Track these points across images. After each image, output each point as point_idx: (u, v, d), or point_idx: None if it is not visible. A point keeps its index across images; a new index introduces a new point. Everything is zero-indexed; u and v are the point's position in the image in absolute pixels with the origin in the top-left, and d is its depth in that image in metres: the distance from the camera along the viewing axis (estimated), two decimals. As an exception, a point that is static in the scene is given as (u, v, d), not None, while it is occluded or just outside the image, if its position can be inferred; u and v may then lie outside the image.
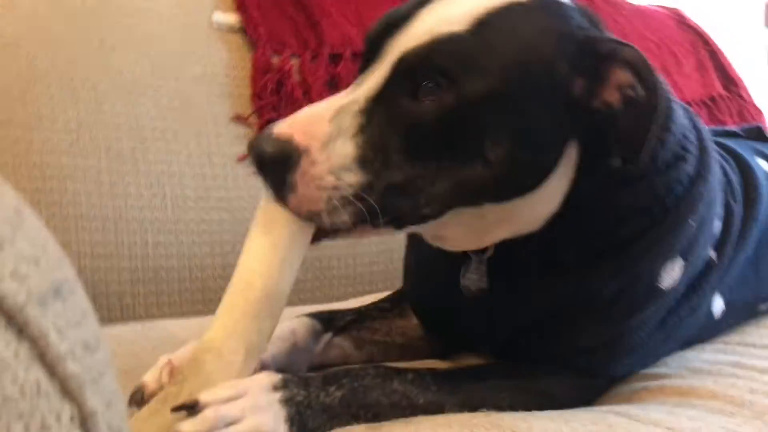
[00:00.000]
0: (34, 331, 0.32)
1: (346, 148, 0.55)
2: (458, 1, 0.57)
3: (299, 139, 0.55)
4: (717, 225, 0.73)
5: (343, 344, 0.76)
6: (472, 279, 0.68)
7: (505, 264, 0.66)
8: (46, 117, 0.97)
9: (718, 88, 2.11)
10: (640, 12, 2.19)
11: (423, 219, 0.59)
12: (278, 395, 0.55)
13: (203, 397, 0.52)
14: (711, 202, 0.70)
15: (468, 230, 0.63)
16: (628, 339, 0.68)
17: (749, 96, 2.14)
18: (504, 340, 0.71)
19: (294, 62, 1.21)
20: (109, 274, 0.97)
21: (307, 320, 0.74)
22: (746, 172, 0.84)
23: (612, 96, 0.58)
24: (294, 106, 1.17)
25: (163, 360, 0.64)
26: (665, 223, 0.64)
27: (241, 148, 1.12)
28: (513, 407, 0.62)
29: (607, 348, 0.68)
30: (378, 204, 0.55)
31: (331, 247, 1.12)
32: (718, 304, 0.78)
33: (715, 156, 0.71)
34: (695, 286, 0.71)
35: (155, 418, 0.53)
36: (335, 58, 1.25)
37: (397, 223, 0.59)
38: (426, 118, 0.55)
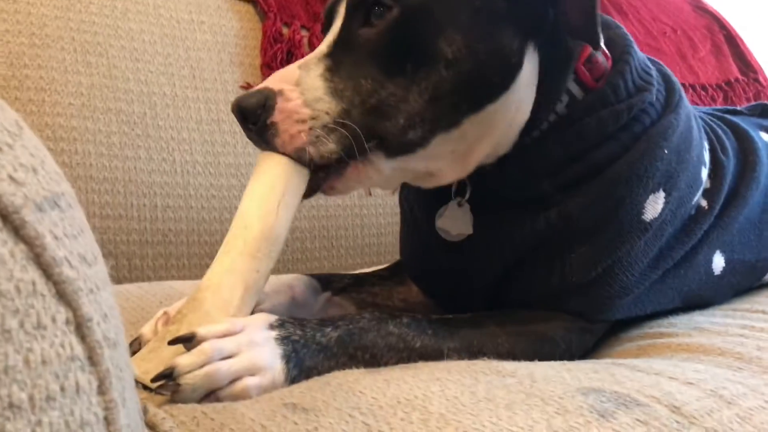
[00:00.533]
0: (30, 232, 0.32)
1: (316, 83, 0.60)
2: None
3: (272, 85, 0.60)
4: (703, 172, 0.75)
5: (343, 303, 0.77)
6: (455, 224, 0.70)
7: (484, 203, 0.68)
8: (57, 80, 0.98)
9: (735, 72, 2.09)
10: (656, -4, 2.18)
11: (410, 146, 0.62)
12: (274, 333, 0.55)
13: (200, 330, 0.53)
14: (688, 138, 0.71)
15: (453, 158, 0.65)
16: (620, 276, 0.67)
17: (767, 80, 2.12)
18: (493, 285, 0.71)
19: (304, 33, 1.21)
20: (119, 235, 0.97)
21: (304, 277, 0.75)
22: (742, 137, 0.87)
23: None
24: (304, 75, 1.17)
25: (160, 313, 0.65)
26: (636, 150, 0.66)
27: (251, 116, 1.12)
28: (511, 351, 0.62)
29: (598, 286, 0.67)
30: (359, 127, 0.59)
31: (338, 217, 1.13)
32: (718, 261, 0.78)
33: (684, 98, 0.74)
34: (687, 230, 0.72)
35: (155, 354, 0.54)
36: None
37: (387, 149, 0.61)
38: (382, 37, 0.61)
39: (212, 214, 1.05)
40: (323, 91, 0.60)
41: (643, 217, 0.67)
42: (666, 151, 0.68)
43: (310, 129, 0.58)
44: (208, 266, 1.03)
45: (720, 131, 0.85)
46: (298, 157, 0.59)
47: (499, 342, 0.63)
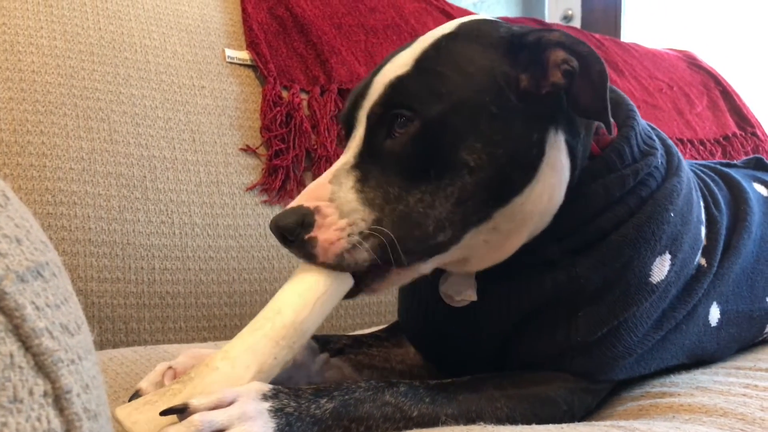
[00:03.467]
0: (10, 303, 0.32)
1: (349, 195, 0.62)
2: (400, 54, 0.66)
3: (308, 203, 0.62)
4: (702, 231, 0.75)
5: (341, 365, 0.75)
6: (458, 289, 0.70)
7: (489, 268, 0.68)
8: (58, 146, 0.99)
9: (732, 127, 2.11)
10: (651, 54, 2.22)
11: (443, 246, 0.63)
12: (268, 405, 0.54)
13: (193, 401, 0.52)
14: (690, 200, 0.72)
15: (488, 247, 0.66)
16: (625, 336, 0.67)
17: (765, 135, 2.13)
18: (496, 349, 0.70)
19: (303, 97, 1.24)
20: (116, 298, 0.97)
21: None
22: (733, 187, 0.88)
23: (555, 76, 0.63)
24: (302, 138, 1.19)
25: (162, 366, 0.64)
26: (643, 213, 0.67)
27: (249, 178, 1.14)
28: (511, 416, 0.61)
29: (603, 346, 0.67)
30: (391, 235, 0.60)
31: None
32: (714, 313, 0.78)
33: (683, 161, 0.75)
34: (689, 290, 0.72)
35: (149, 407, 0.53)
36: (344, 94, 1.28)
37: (421, 255, 0.62)
38: (405, 148, 0.62)
39: (210, 276, 1.05)
40: (357, 202, 0.61)
41: (650, 279, 0.67)
42: (672, 215, 0.68)
43: (349, 236, 0.60)
44: (205, 329, 1.04)
45: (712, 184, 0.86)
46: (337, 264, 0.60)
47: (498, 406, 0.61)
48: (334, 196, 0.62)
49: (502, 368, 0.68)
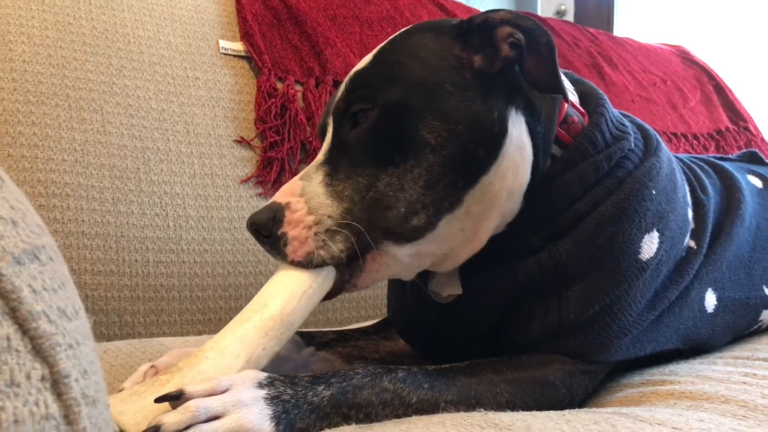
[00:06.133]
0: (6, 286, 0.32)
1: (317, 189, 0.64)
2: (366, 56, 0.70)
3: (279, 199, 0.65)
4: (689, 213, 0.77)
5: (329, 357, 0.75)
6: (444, 286, 0.71)
7: (470, 261, 0.69)
8: (51, 137, 0.98)
9: (726, 121, 2.12)
10: (645, 49, 2.22)
11: (418, 231, 0.64)
12: (264, 392, 0.53)
13: (188, 388, 0.51)
14: (673, 181, 0.73)
15: (464, 235, 0.67)
16: (619, 315, 0.67)
17: (757, 129, 2.14)
18: (488, 336, 0.70)
19: (298, 88, 1.23)
20: (110, 291, 0.96)
21: None
22: (725, 176, 0.89)
23: (504, 50, 0.66)
24: (297, 130, 1.18)
25: (144, 366, 0.64)
26: (622, 191, 0.68)
27: (244, 170, 1.13)
28: (510, 400, 0.61)
29: (597, 326, 0.67)
30: (362, 222, 0.62)
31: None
32: (710, 299, 0.78)
33: (662, 144, 0.76)
34: (680, 271, 0.73)
35: (136, 398, 0.53)
36: (339, 86, 1.27)
37: (394, 237, 0.63)
38: (368, 135, 0.64)
39: (205, 269, 1.04)
40: (324, 196, 0.64)
41: (639, 256, 0.67)
42: (654, 192, 0.69)
43: (315, 234, 0.62)
44: (199, 322, 1.03)
45: (699, 172, 0.87)
46: (308, 262, 0.62)
47: (497, 391, 0.61)
48: (303, 191, 0.64)
49: (498, 350, 0.68)
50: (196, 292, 1.03)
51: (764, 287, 0.86)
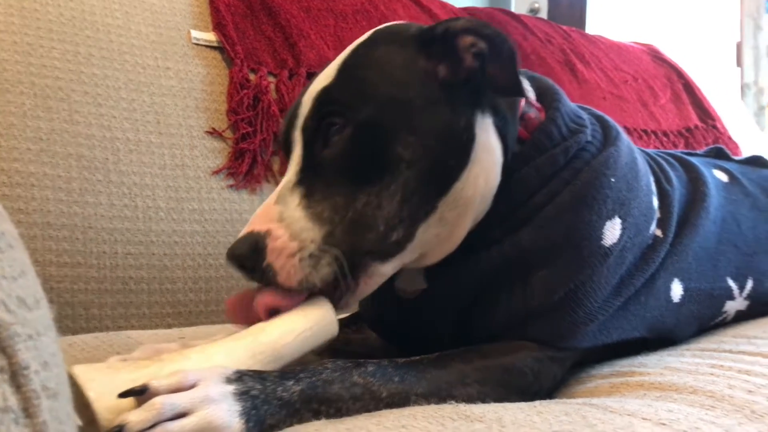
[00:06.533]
0: (-37, 272, 0.31)
1: (296, 213, 0.63)
2: (324, 70, 0.69)
3: (259, 227, 0.63)
4: (654, 201, 0.78)
5: None
6: (409, 281, 0.72)
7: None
8: (15, 125, 0.96)
9: (695, 119, 2.15)
10: (617, 47, 2.24)
11: (399, 245, 0.64)
12: (232, 388, 0.52)
13: (153, 383, 0.50)
14: (635, 169, 0.74)
15: (439, 240, 0.68)
16: (584, 301, 0.67)
17: (724, 128, 2.18)
18: (456, 326, 0.70)
19: (271, 80, 1.22)
20: (76, 283, 0.94)
21: None
22: (691, 169, 0.91)
23: (468, 61, 0.66)
24: (270, 121, 1.17)
25: (114, 359, 0.63)
26: (579, 180, 0.69)
27: (215, 162, 1.11)
28: (481, 391, 0.61)
29: (563, 311, 0.67)
30: (344, 246, 0.61)
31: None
32: (676, 289, 0.79)
33: (622, 134, 0.77)
34: (646, 258, 0.74)
35: (110, 371, 0.51)
36: (313, 77, 1.26)
37: (380, 257, 0.64)
38: (342, 155, 0.64)
39: (175, 262, 1.03)
40: (305, 219, 0.62)
41: (602, 242, 0.68)
42: (613, 180, 0.70)
43: (301, 261, 0.61)
44: (169, 315, 1.02)
45: (665, 164, 0.88)
46: (304, 288, 0.61)
47: (467, 382, 0.61)
48: (282, 216, 0.63)
49: (467, 339, 0.68)
50: (165, 284, 1.01)
51: (728, 279, 0.87)
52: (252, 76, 1.19)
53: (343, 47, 1.45)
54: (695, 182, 0.88)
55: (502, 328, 0.68)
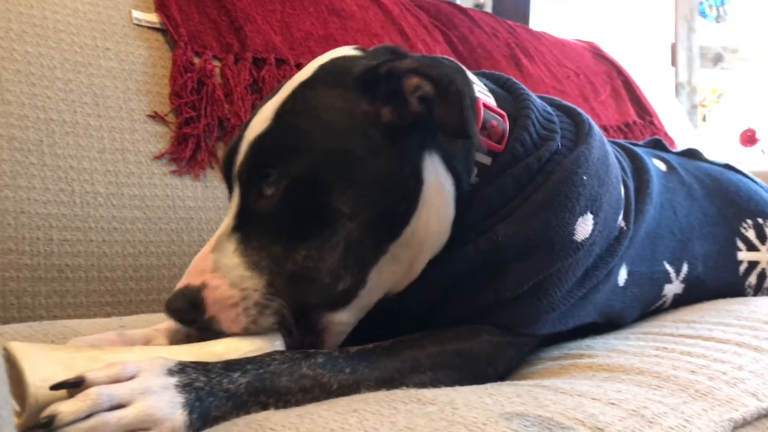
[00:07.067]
0: None
1: (233, 261, 0.61)
2: (264, 106, 0.66)
3: (194, 281, 0.61)
4: (623, 192, 0.78)
5: None
6: None
7: None
8: (-59, 104, 0.90)
9: (633, 115, 2.21)
10: (560, 43, 2.28)
11: (349, 293, 0.63)
12: (174, 379, 0.50)
13: (89, 375, 0.47)
14: (606, 163, 0.74)
15: (397, 275, 0.66)
16: (549, 291, 0.68)
17: (661, 124, 2.25)
18: (428, 311, 0.70)
19: (216, 64, 1.18)
20: (7, 270, 0.89)
21: None
22: (636, 159, 0.92)
23: (413, 105, 0.63)
24: (215, 106, 1.14)
25: (74, 340, 0.61)
26: (552, 181, 0.68)
27: (158, 146, 1.08)
28: (434, 377, 0.60)
29: (528, 299, 0.68)
30: (288, 297, 0.60)
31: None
32: (622, 273, 0.81)
33: (594, 128, 0.77)
34: (611, 250, 0.75)
35: (47, 349, 0.49)
36: (258, 63, 1.23)
37: (329, 307, 0.62)
38: (277, 208, 0.61)
39: (114, 249, 0.99)
40: (243, 267, 0.60)
41: (574, 237, 0.68)
42: (585, 177, 0.70)
43: (245, 309, 0.59)
44: (108, 304, 0.98)
45: (619, 155, 0.90)
46: (248, 334, 0.59)
47: (421, 370, 0.61)
48: (217, 265, 0.61)
49: (434, 325, 0.68)
50: (104, 272, 0.97)
51: (665, 262, 0.90)
52: (196, 60, 1.16)
53: (290, 34, 1.42)
54: (639, 171, 0.90)
55: (468, 315, 0.68)
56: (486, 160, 0.69)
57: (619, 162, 0.86)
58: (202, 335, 0.61)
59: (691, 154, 1.16)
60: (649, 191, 0.86)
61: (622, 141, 1.10)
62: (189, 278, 0.61)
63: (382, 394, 0.55)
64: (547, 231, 0.67)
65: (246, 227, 0.62)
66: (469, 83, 0.62)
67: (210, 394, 0.50)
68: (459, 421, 0.49)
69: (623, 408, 0.53)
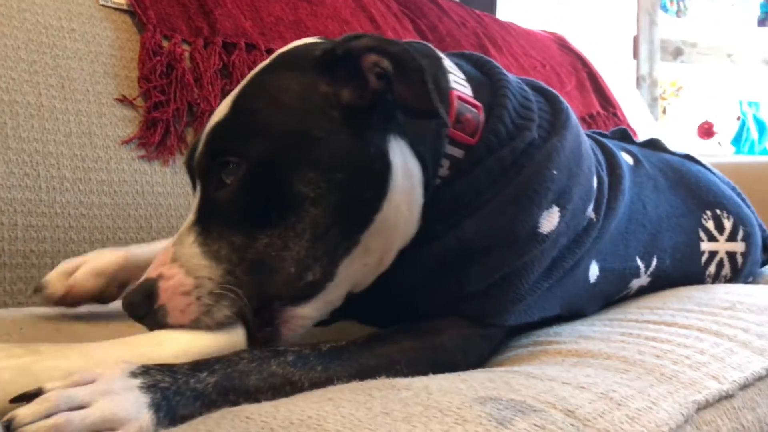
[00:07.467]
0: None
1: (191, 250, 0.60)
2: (225, 99, 0.64)
3: (150, 274, 0.60)
4: (594, 182, 0.78)
5: None
6: None
7: None
8: None
9: (597, 106, 2.25)
10: (526, 34, 2.31)
11: (317, 286, 0.61)
12: (138, 381, 0.48)
13: (48, 384, 0.46)
14: (578, 154, 0.73)
15: (368, 268, 0.65)
16: (516, 283, 0.68)
17: (623, 115, 2.29)
18: (396, 309, 0.70)
19: (185, 48, 1.17)
20: (-30, 256, 0.87)
21: None
22: (608, 153, 0.92)
23: (372, 82, 0.62)
24: (184, 90, 1.13)
25: (64, 264, 0.64)
26: (523, 176, 0.68)
27: (126, 131, 1.06)
28: (409, 371, 0.60)
29: (494, 292, 0.68)
30: (248, 288, 0.58)
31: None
32: (593, 270, 0.81)
33: (571, 116, 0.76)
34: (578, 241, 0.75)
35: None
36: (228, 48, 1.22)
37: (294, 300, 0.60)
38: (238, 195, 0.60)
39: (81, 235, 0.97)
40: (201, 256, 0.59)
41: (539, 230, 0.68)
42: (555, 172, 0.69)
43: (198, 299, 0.57)
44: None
45: (595, 148, 0.90)
46: (195, 327, 0.57)
47: (397, 369, 0.60)
48: (176, 256, 0.60)
49: (396, 317, 0.68)
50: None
51: (637, 258, 0.91)
52: (165, 43, 1.14)
53: (260, 18, 1.41)
54: (612, 166, 0.90)
55: (434, 310, 0.68)
56: (458, 153, 0.68)
57: (595, 155, 0.86)
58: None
59: (654, 145, 1.18)
60: (622, 187, 0.87)
61: (594, 133, 1.12)
62: (148, 272, 0.61)
63: (356, 383, 0.55)
64: (513, 225, 0.67)
65: (208, 219, 0.61)
66: (435, 64, 0.62)
67: (177, 393, 0.49)
68: (434, 405, 0.49)
69: (592, 391, 0.55)
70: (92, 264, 0.66)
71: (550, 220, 0.69)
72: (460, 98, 0.68)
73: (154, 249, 0.68)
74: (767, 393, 0.66)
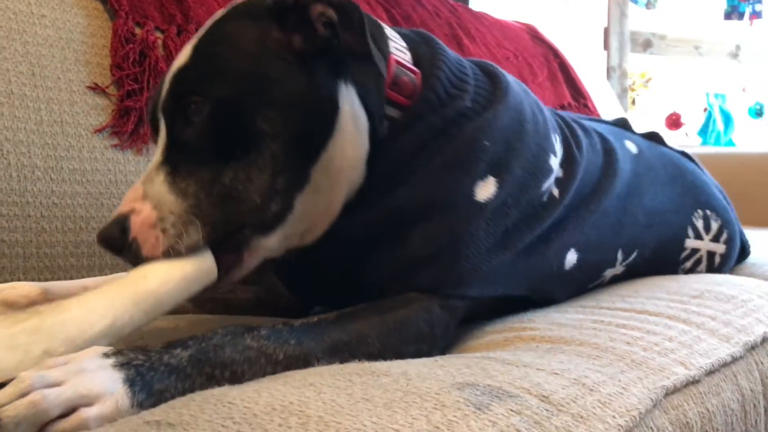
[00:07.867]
0: None
1: (160, 188, 0.64)
2: (182, 50, 0.70)
3: (124, 209, 0.65)
4: (553, 160, 0.80)
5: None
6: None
7: None
8: None
9: (568, 97, 2.27)
10: (500, 24, 2.32)
11: (279, 216, 0.67)
12: (110, 361, 0.49)
13: (22, 374, 0.46)
14: (519, 130, 0.76)
15: (318, 210, 0.71)
16: (464, 251, 0.70)
17: (594, 106, 2.32)
18: (344, 277, 0.73)
19: (158, 35, 1.15)
20: (-61, 246, 0.86)
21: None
22: (606, 142, 0.94)
23: (320, 30, 0.68)
24: (158, 78, 1.11)
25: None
26: (453, 145, 0.73)
27: (98, 119, 1.05)
28: (381, 347, 0.62)
29: (445, 260, 0.70)
30: (215, 218, 0.63)
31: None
32: (570, 258, 0.83)
33: (512, 91, 0.79)
34: (537, 216, 0.77)
35: None
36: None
37: (261, 229, 0.66)
38: (204, 133, 0.65)
39: (53, 224, 0.96)
40: (168, 193, 0.64)
41: (475, 198, 0.72)
42: (487, 143, 0.73)
43: (164, 231, 0.62)
44: (48, 281, 0.95)
45: (579, 130, 0.91)
46: (168, 256, 0.61)
47: (369, 342, 0.62)
48: (147, 194, 0.64)
49: (355, 294, 0.70)
50: (43, 248, 0.95)
51: (619, 250, 0.92)
52: (138, 31, 1.13)
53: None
54: (608, 155, 0.92)
55: (390, 278, 0.71)
56: (395, 113, 0.73)
57: (573, 136, 0.88)
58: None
59: (654, 138, 1.17)
60: (615, 180, 0.88)
61: (593, 120, 1.11)
62: (120, 208, 0.65)
63: (336, 368, 0.56)
64: (446, 193, 0.71)
65: (174, 159, 0.66)
66: (376, 24, 0.68)
67: (151, 369, 0.50)
68: (413, 391, 0.51)
69: (566, 377, 0.56)
70: (3, 296, 0.63)
71: (486, 189, 0.72)
72: (398, 62, 0.74)
73: (77, 284, 0.68)
74: (732, 379, 0.69)
